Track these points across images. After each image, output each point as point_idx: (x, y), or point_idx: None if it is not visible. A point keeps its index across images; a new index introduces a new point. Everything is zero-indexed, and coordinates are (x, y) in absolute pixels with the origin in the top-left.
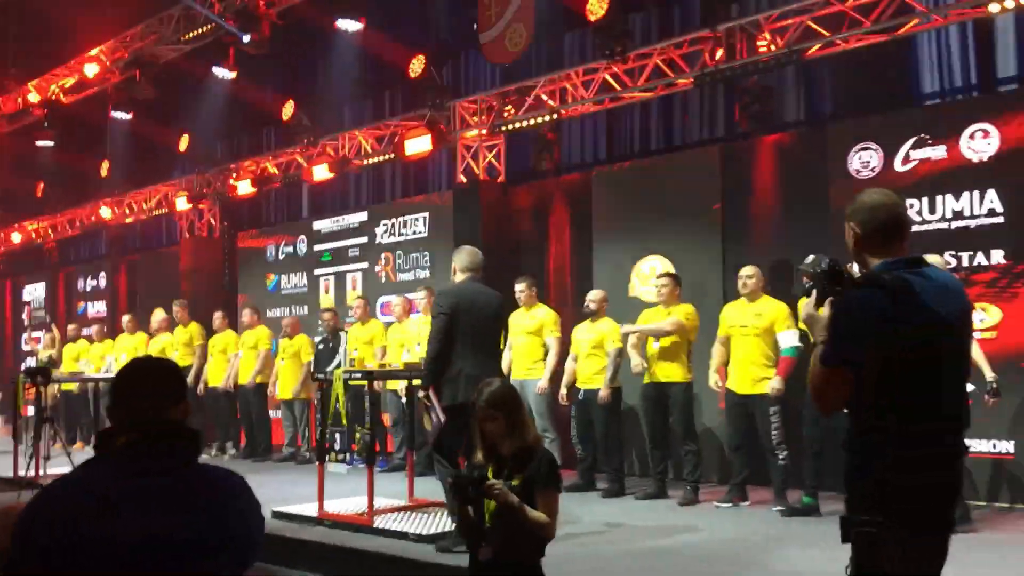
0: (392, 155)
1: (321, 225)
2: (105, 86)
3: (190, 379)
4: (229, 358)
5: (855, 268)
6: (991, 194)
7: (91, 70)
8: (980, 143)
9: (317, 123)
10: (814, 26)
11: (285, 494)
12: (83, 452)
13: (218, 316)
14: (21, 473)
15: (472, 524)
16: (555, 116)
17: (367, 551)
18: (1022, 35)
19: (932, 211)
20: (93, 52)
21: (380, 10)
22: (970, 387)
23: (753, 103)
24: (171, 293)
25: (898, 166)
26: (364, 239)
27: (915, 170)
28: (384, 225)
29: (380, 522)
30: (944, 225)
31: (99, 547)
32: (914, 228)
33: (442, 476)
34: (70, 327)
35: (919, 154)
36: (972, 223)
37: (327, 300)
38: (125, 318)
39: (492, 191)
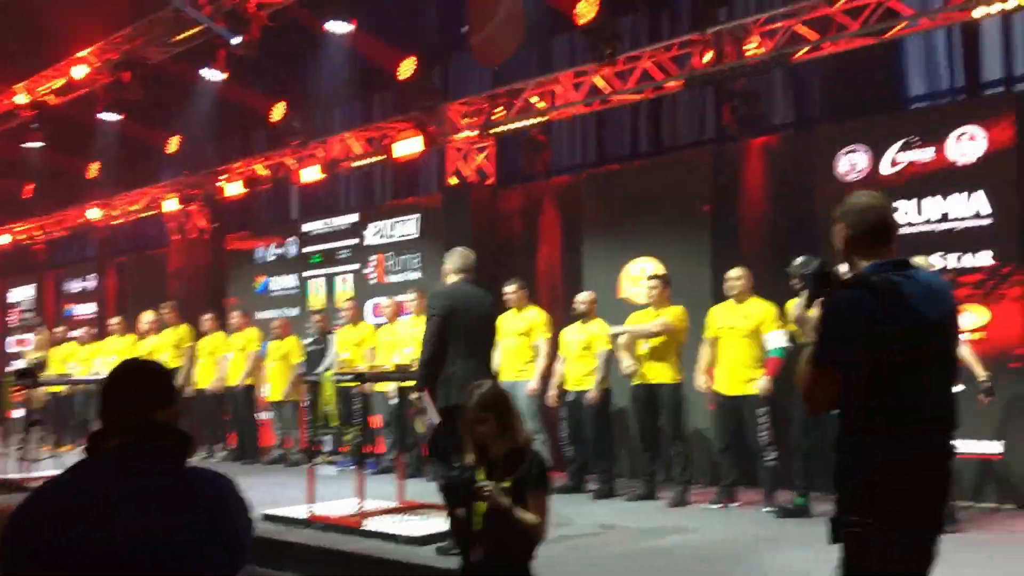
0: (382, 157)
1: (311, 227)
2: (94, 88)
3: (178, 381)
4: (218, 360)
5: (844, 268)
6: (978, 196)
7: (80, 72)
8: (967, 146)
9: (307, 125)
10: (802, 29)
11: (274, 496)
12: (72, 454)
13: (207, 318)
14: (9, 476)
15: (463, 526)
16: (545, 118)
17: (357, 553)
18: (1008, 38)
19: (919, 213)
20: (82, 54)
21: (370, 12)
22: (960, 388)
23: (742, 106)
24: (160, 295)
25: (885, 168)
26: (354, 241)
27: (902, 172)
28: (374, 227)
29: (370, 524)
30: (931, 227)
31: (98, 547)
32: (901, 230)
33: (436, 478)
34: (57, 329)
35: (906, 157)
36: (959, 225)
37: (317, 302)
38: (114, 320)
39: (482, 193)
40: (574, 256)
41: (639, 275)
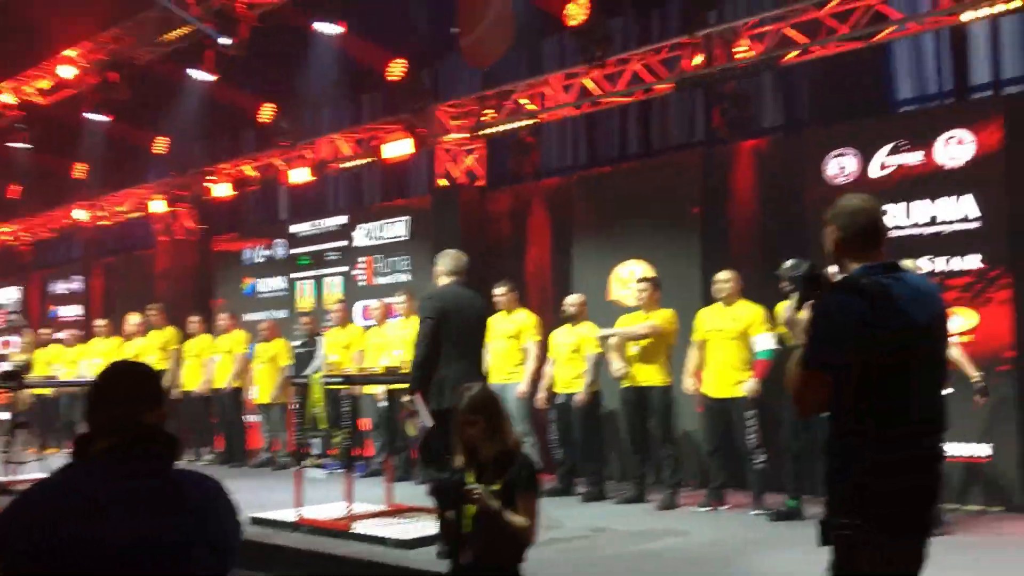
0: (372, 158)
1: (299, 228)
2: (81, 88)
3: (165, 383)
4: (204, 362)
5: (834, 270)
6: (966, 199)
7: (67, 72)
8: (955, 149)
9: (296, 126)
10: (791, 32)
11: (262, 499)
12: (57, 457)
13: (194, 320)
14: None
15: (453, 528)
16: (535, 120)
17: (346, 557)
18: (996, 42)
19: (908, 216)
20: (70, 54)
21: (360, 14)
22: (949, 390)
23: (731, 109)
24: (147, 296)
25: (874, 172)
26: (343, 242)
27: (891, 176)
28: (363, 229)
29: (359, 528)
30: (920, 230)
31: (87, 549)
32: (890, 233)
33: (428, 481)
34: (42, 331)
35: (895, 160)
36: (947, 228)
37: (305, 304)
38: (100, 322)
39: (471, 195)
40: (564, 258)
41: (629, 277)
